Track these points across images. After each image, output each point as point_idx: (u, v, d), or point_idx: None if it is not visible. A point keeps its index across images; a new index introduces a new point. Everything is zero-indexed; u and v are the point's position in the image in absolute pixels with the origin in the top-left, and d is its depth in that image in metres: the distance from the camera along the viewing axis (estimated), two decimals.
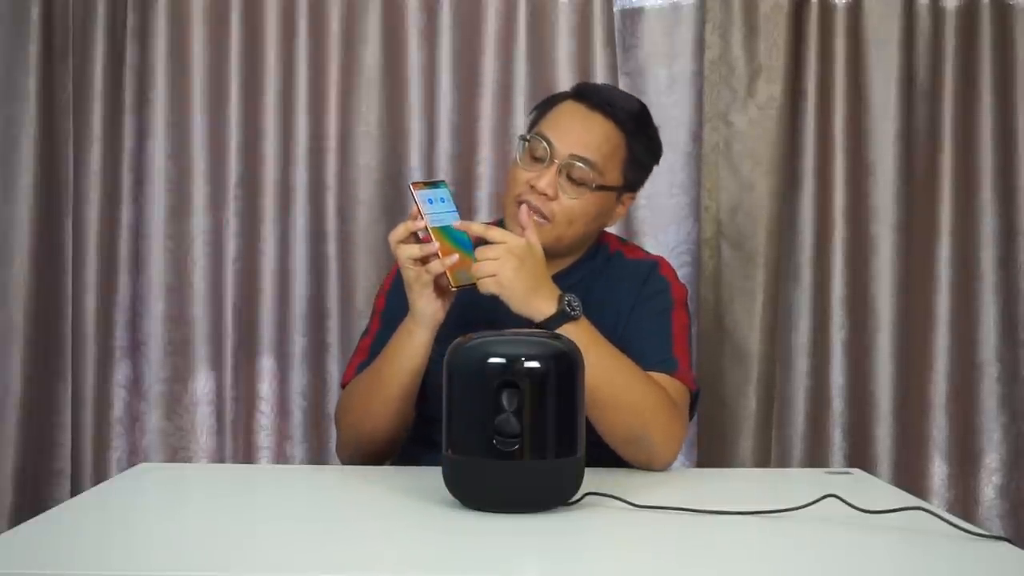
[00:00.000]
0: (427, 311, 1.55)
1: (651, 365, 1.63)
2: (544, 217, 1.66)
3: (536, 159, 1.68)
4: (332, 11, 2.29)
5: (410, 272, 1.53)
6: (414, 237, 1.53)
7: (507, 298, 1.53)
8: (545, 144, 1.67)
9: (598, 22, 2.26)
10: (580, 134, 1.68)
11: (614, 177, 1.70)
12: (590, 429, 1.40)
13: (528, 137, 1.71)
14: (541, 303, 1.53)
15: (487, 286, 1.52)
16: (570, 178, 1.66)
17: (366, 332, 1.80)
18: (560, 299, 1.54)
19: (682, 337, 1.71)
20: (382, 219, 2.28)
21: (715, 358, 2.26)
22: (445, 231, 1.52)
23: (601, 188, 1.68)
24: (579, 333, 1.49)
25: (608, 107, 1.70)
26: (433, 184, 1.55)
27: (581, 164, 1.66)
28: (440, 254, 1.50)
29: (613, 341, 1.62)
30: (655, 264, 1.79)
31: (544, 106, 1.78)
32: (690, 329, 1.77)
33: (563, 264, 1.74)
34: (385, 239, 1.54)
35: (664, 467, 1.58)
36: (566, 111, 1.72)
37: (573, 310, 1.54)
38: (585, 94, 1.74)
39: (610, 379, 1.52)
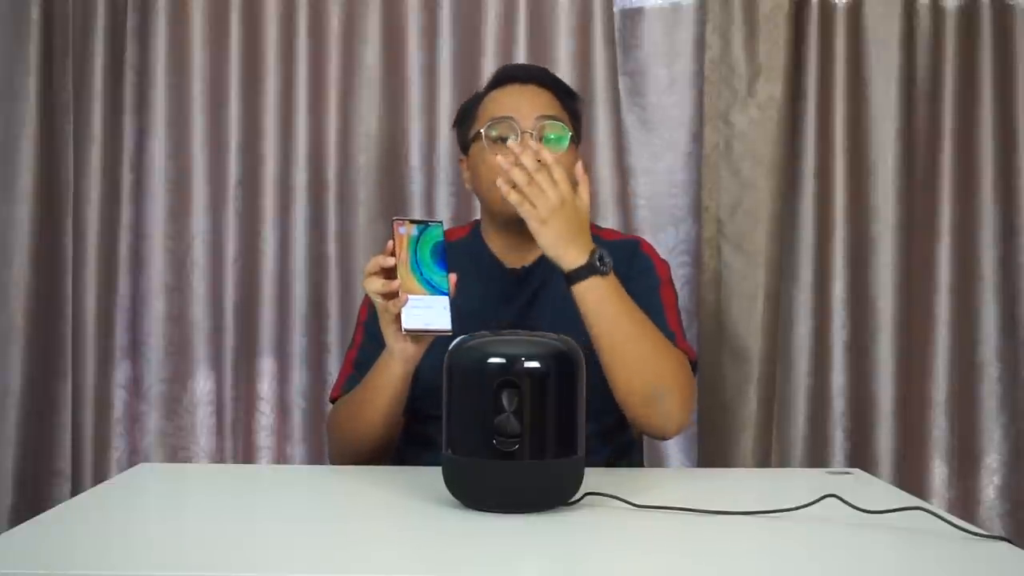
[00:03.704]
0: (395, 347, 1.52)
1: None
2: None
3: (503, 140, 1.71)
4: (332, 11, 2.29)
5: (378, 305, 1.51)
6: (387, 272, 1.49)
7: (538, 234, 1.54)
8: (509, 122, 1.71)
9: (598, 22, 2.26)
10: (532, 102, 1.74)
11: (572, 130, 1.76)
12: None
13: (483, 130, 1.73)
14: (572, 251, 1.54)
15: (525, 211, 1.53)
16: (545, 140, 1.71)
17: (352, 343, 1.81)
18: (592, 253, 1.55)
19: (673, 311, 1.75)
20: (382, 219, 2.27)
21: (715, 358, 2.26)
22: (417, 272, 1.48)
23: (573, 138, 1.74)
24: (607, 288, 1.52)
25: (535, 77, 1.78)
26: (423, 223, 1.50)
27: (552, 121, 1.71)
28: (399, 293, 1.46)
29: None
30: (636, 243, 1.83)
31: (470, 111, 1.81)
32: (678, 304, 1.80)
33: (539, 249, 1.75)
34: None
35: (676, 433, 1.63)
36: (504, 94, 1.77)
37: (603, 265, 1.54)
38: (509, 76, 1.80)
39: (636, 337, 1.55)
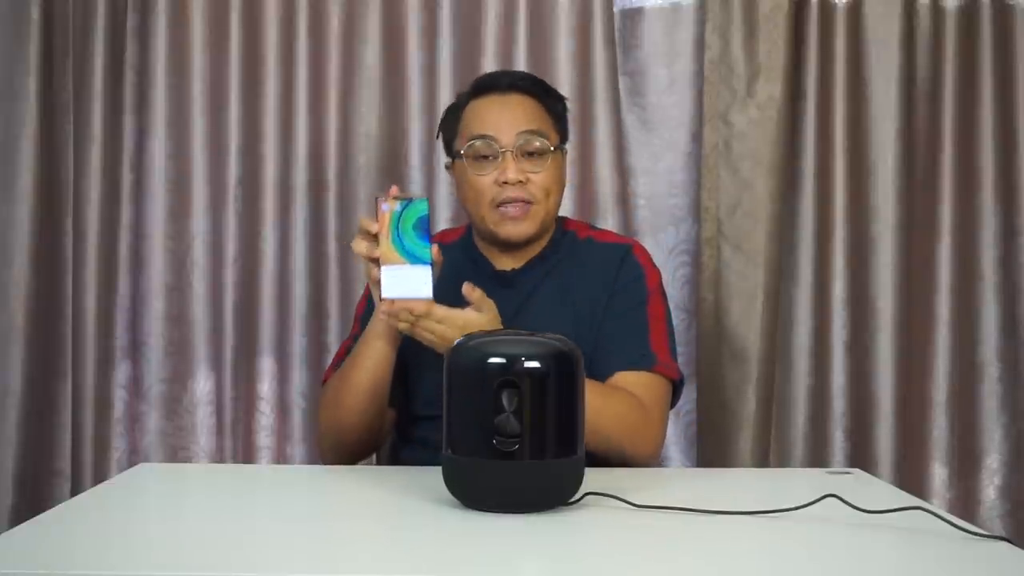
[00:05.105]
0: (381, 306, 1.54)
1: (627, 364, 1.66)
2: (527, 201, 1.70)
3: (485, 161, 1.71)
4: (332, 11, 2.29)
5: (364, 266, 1.54)
6: (374, 236, 1.50)
7: None
8: (488, 140, 1.70)
9: (598, 22, 2.26)
10: (512, 115, 1.72)
11: (555, 137, 1.76)
12: None
13: (463, 150, 1.72)
14: None
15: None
16: (526, 155, 1.70)
17: (349, 334, 1.83)
18: None
19: (659, 327, 1.73)
20: None
21: (715, 358, 2.26)
22: (399, 244, 1.48)
23: (556, 150, 1.74)
24: None
25: (515, 85, 1.77)
26: (407, 200, 1.49)
27: (533, 136, 1.71)
28: (380, 262, 1.49)
29: (587, 327, 1.66)
30: (628, 248, 1.80)
31: (452, 119, 1.80)
32: (668, 314, 1.78)
33: (532, 252, 1.77)
34: None
35: (646, 463, 1.65)
36: (483, 107, 1.75)
37: None
38: (487, 86, 1.78)
39: None
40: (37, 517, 1.24)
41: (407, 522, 1.26)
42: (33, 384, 2.24)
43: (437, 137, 1.86)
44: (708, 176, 2.27)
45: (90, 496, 1.45)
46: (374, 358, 1.62)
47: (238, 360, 2.29)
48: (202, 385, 2.28)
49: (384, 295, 1.49)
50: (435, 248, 1.49)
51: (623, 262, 1.77)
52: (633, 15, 2.35)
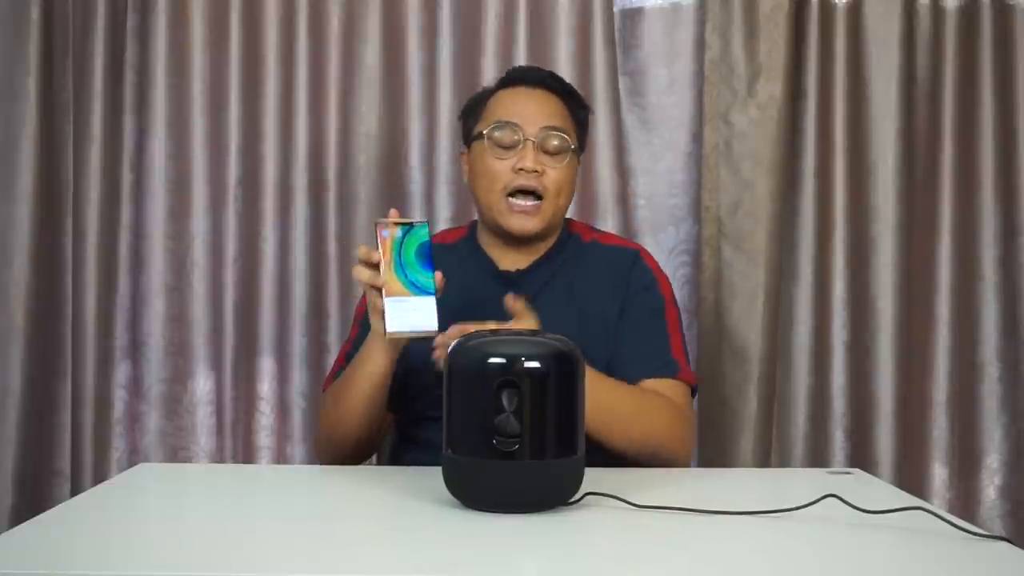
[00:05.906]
0: (379, 330, 1.50)
1: (652, 371, 1.67)
2: (538, 196, 1.70)
3: (505, 147, 1.71)
4: (332, 11, 2.29)
5: (367, 292, 1.50)
6: (375, 264, 1.47)
7: None
8: (513, 127, 1.71)
9: (598, 22, 2.27)
10: (539, 109, 1.73)
11: (575, 140, 1.76)
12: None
13: (486, 131, 1.72)
14: None
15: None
16: (545, 151, 1.71)
17: (347, 338, 1.82)
18: None
19: (676, 334, 1.75)
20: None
21: (715, 358, 2.26)
22: (401, 274, 1.45)
23: (575, 151, 1.75)
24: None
25: (545, 82, 1.77)
26: (408, 224, 1.45)
27: (556, 133, 1.71)
28: (383, 293, 1.44)
29: (597, 329, 1.67)
30: (637, 254, 1.81)
31: (477, 106, 1.80)
32: (681, 321, 1.79)
33: (537, 253, 1.77)
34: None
35: (684, 464, 1.66)
36: (511, 96, 1.76)
37: None
38: (519, 78, 1.78)
39: (614, 411, 1.56)
40: (37, 517, 1.24)
41: (407, 522, 1.26)
42: (33, 384, 2.24)
43: (459, 119, 1.85)
44: (708, 176, 2.27)
45: (90, 496, 1.45)
46: (370, 378, 1.60)
47: (238, 360, 2.29)
48: (202, 385, 2.28)
49: (389, 329, 1.44)
50: (439, 276, 1.46)
51: (633, 267, 1.77)
52: (633, 15, 2.35)
